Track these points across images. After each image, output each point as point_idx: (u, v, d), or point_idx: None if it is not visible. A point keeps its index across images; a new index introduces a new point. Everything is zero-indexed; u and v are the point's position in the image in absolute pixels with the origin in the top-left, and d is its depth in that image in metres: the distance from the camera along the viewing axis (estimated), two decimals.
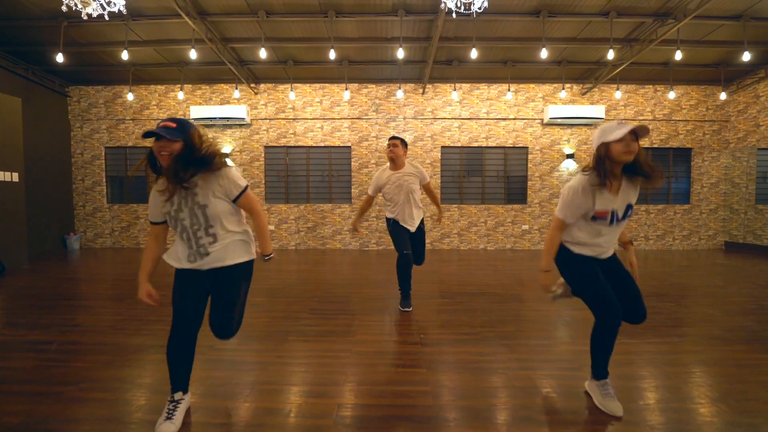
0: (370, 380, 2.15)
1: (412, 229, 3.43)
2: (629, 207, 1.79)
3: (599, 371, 1.86)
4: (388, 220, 3.52)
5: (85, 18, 3.49)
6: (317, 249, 8.03)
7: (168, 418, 1.67)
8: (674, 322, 3.19)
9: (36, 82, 7.23)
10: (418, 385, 2.09)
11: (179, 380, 1.74)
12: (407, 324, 3.11)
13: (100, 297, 4.06)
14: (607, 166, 1.68)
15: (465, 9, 3.38)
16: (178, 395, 1.74)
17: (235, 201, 1.72)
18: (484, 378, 2.17)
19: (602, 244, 1.83)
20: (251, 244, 1.85)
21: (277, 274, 5.31)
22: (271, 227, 8.16)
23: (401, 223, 3.41)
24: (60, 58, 5.60)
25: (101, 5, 3.48)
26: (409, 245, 3.38)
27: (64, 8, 3.33)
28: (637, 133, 1.65)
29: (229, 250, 1.74)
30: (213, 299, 1.78)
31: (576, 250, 1.85)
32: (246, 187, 1.74)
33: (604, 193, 1.72)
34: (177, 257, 1.75)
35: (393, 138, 3.40)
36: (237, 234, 1.77)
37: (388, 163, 3.45)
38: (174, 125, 1.62)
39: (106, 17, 3.44)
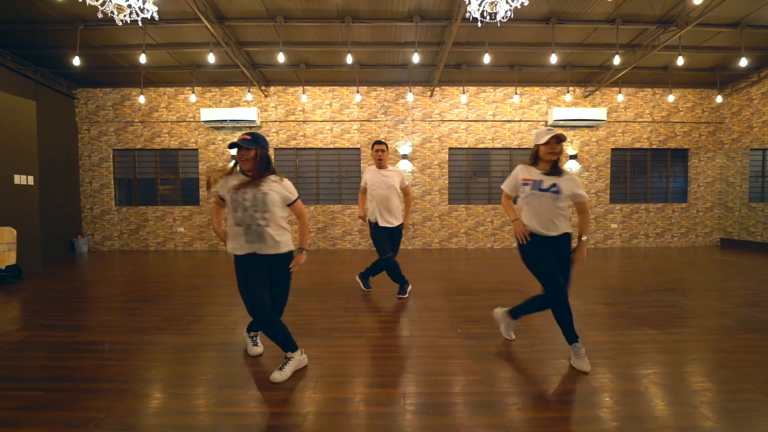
0: (423, 371, 2.28)
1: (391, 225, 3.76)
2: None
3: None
4: (369, 223, 3.86)
5: (120, 24, 3.56)
6: (327, 249, 8.13)
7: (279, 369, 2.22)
8: (688, 314, 3.39)
9: (44, 84, 7.19)
10: (469, 374, 2.23)
11: (280, 344, 2.29)
12: (440, 320, 3.25)
13: (128, 299, 4.11)
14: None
15: (491, 18, 3.53)
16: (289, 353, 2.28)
17: (289, 205, 2.31)
18: (526, 367, 2.33)
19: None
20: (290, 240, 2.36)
21: (296, 274, 5.37)
22: None
23: (380, 224, 3.74)
24: (77, 61, 5.62)
25: (135, 12, 3.55)
26: (389, 246, 3.75)
27: (99, 15, 3.39)
28: (559, 137, 2.24)
29: (281, 239, 2.25)
30: (271, 284, 2.31)
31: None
32: (298, 197, 2.34)
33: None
34: (236, 246, 2.22)
35: (378, 143, 3.78)
36: (284, 229, 2.28)
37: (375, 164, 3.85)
38: (249, 138, 2.16)
39: (140, 23, 3.51)
